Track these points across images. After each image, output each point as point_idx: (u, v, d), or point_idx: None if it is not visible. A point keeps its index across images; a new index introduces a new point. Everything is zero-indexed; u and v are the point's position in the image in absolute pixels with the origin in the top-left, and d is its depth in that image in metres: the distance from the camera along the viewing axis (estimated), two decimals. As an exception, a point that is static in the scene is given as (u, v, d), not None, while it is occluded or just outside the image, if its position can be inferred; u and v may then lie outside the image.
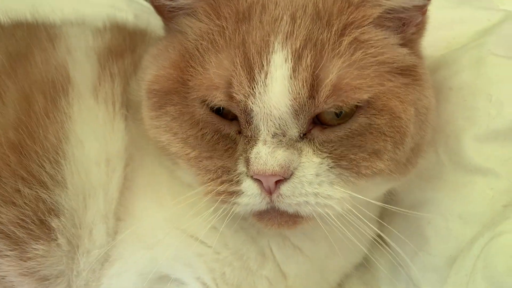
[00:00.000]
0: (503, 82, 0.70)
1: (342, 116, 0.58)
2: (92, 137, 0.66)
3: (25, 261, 0.61)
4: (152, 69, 0.64)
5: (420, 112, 0.62)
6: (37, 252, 0.61)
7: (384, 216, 0.82)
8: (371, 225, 0.67)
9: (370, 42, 0.58)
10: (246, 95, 0.56)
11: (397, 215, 0.79)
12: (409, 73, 0.61)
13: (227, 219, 0.61)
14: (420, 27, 0.64)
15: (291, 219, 0.61)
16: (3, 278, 0.61)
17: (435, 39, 0.75)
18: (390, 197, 0.79)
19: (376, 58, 0.58)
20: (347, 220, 0.62)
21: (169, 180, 0.68)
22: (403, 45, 0.61)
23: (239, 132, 0.59)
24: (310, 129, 0.58)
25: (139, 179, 0.68)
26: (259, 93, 0.55)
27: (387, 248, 0.85)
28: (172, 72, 0.61)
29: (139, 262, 0.65)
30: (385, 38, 0.60)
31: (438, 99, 0.70)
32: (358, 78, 0.56)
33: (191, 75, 0.59)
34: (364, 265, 0.86)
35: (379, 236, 0.85)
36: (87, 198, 0.64)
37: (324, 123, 0.58)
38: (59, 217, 0.63)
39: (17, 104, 0.64)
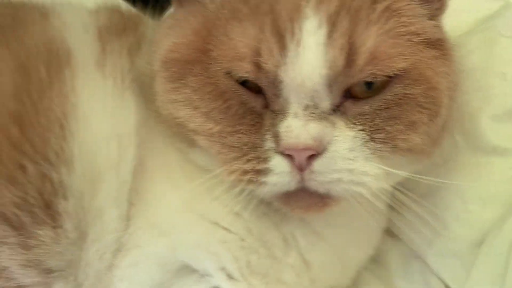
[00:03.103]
0: (517, 61, 0.71)
1: (373, 89, 0.55)
2: (101, 113, 0.60)
3: (28, 250, 0.54)
4: (170, 39, 0.59)
5: (450, 87, 0.60)
6: (41, 239, 0.55)
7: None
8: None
9: (402, 11, 0.56)
10: (277, 64, 0.52)
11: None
12: (438, 46, 0.60)
13: (250, 203, 0.57)
14: (443, 2, 0.63)
15: (321, 200, 0.57)
16: (4, 270, 0.54)
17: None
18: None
19: (408, 28, 0.56)
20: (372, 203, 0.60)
21: (182, 163, 0.63)
22: (430, 18, 0.60)
23: (265, 107, 0.55)
24: (342, 102, 0.55)
25: (151, 161, 0.62)
26: (291, 62, 0.52)
27: (399, 239, 0.84)
28: (194, 39, 0.56)
29: (157, 251, 0.59)
30: (415, 8, 0.58)
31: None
32: (394, 47, 0.54)
33: (213, 45, 0.55)
34: (375, 259, 0.83)
35: (387, 230, 0.83)
36: (97, 179, 0.58)
37: (354, 96, 0.55)
38: (67, 200, 0.56)
39: (14, 73, 0.58)
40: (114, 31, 0.67)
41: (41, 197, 0.55)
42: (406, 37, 0.55)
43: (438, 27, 0.61)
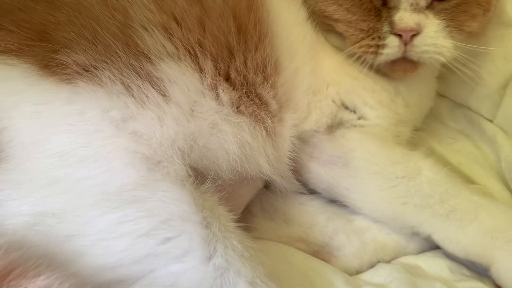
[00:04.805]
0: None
1: None
2: (284, 8, 0.88)
3: (273, 89, 0.82)
4: None
5: None
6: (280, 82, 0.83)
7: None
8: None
9: None
10: None
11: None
12: None
13: (369, 68, 0.91)
14: None
15: (414, 65, 0.91)
16: (265, 105, 0.81)
17: None
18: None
19: None
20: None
21: (325, 42, 0.96)
22: None
23: (383, 4, 0.87)
24: (432, 1, 0.87)
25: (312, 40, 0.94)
26: None
27: (443, 97, 1.21)
28: None
29: (330, 93, 0.93)
30: None
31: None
32: None
33: None
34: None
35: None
36: (293, 53, 0.87)
37: None
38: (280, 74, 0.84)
39: None
40: None
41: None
42: None
43: None
